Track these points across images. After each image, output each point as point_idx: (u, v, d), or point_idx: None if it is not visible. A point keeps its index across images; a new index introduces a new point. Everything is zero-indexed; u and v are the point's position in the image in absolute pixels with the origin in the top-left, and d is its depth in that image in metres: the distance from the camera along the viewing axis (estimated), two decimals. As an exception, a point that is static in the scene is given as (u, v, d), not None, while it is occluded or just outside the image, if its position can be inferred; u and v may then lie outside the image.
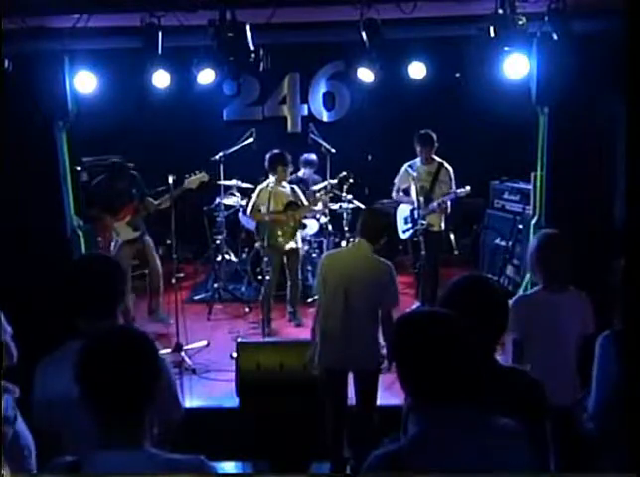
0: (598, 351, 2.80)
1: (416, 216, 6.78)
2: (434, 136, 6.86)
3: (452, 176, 6.88)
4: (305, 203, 6.88)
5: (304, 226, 6.98)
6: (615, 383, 2.73)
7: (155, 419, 2.04)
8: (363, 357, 4.46)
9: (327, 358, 4.52)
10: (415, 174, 6.78)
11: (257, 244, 7.12)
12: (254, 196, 6.85)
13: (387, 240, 4.64)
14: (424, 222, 6.59)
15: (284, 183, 6.84)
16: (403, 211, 7.09)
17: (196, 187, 6.69)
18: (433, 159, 6.92)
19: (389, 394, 4.84)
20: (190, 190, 6.66)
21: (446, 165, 6.92)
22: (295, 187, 6.99)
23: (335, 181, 7.54)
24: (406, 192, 6.99)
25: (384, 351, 4.45)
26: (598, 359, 2.80)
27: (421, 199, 6.66)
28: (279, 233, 6.70)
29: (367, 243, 4.48)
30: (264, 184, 6.82)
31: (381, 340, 4.47)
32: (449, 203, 6.79)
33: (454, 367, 1.97)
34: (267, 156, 6.75)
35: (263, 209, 6.68)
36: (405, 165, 7.02)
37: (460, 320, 2.04)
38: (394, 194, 7.17)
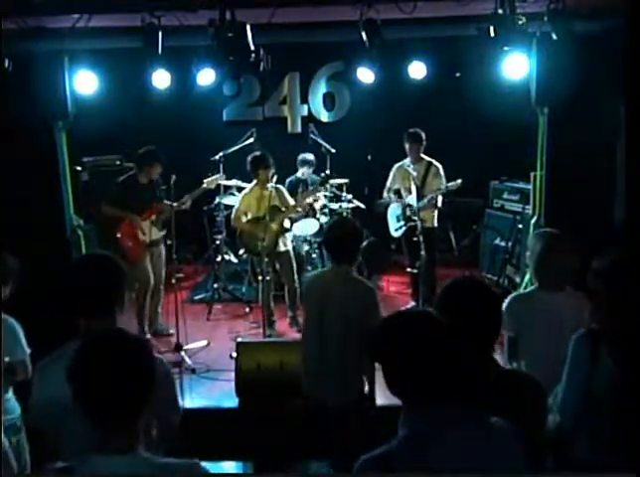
0: (570, 350, 2.80)
1: (408, 213, 6.82)
2: (423, 134, 6.84)
3: (442, 173, 6.88)
4: (290, 204, 6.65)
5: (286, 230, 6.71)
6: (580, 383, 2.74)
7: (153, 421, 2.03)
8: (339, 389, 4.01)
9: (306, 387, 4.19)
10: (414, 173, 6.77)
11: (241, 251, 7.10)
12: (237, 203, 6.71)
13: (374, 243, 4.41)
14: (417, 218, 6.55)
15: (268, 185, 6.56)
16: (395, 210, 7.10)
17: (214, 187, 6.89)
18: (422, 158, 6.94)
19: (388, 393, 4.82)
20: (209, 190, 6.82)
21: (435, 163, 6.93)
22: (280, 187, 6.75)
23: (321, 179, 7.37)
24: (396, 192, 7.01)
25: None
26: (569, 358, 2.80)
27: (414, 196, 6.68)
28: (260, 238, 6.33)
29: (344, 264, 4.03)
30: (247, 189, 6.73)
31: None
32: (440, 198, 6.80)
33: (439, 368, 1.96)
34: (248, 159, 6.58)
35: (244, 217, 6.60)
36: (396, 165, 7.06)
37: (444, 321, 2.04)
38: (385, 194, 7.18)
